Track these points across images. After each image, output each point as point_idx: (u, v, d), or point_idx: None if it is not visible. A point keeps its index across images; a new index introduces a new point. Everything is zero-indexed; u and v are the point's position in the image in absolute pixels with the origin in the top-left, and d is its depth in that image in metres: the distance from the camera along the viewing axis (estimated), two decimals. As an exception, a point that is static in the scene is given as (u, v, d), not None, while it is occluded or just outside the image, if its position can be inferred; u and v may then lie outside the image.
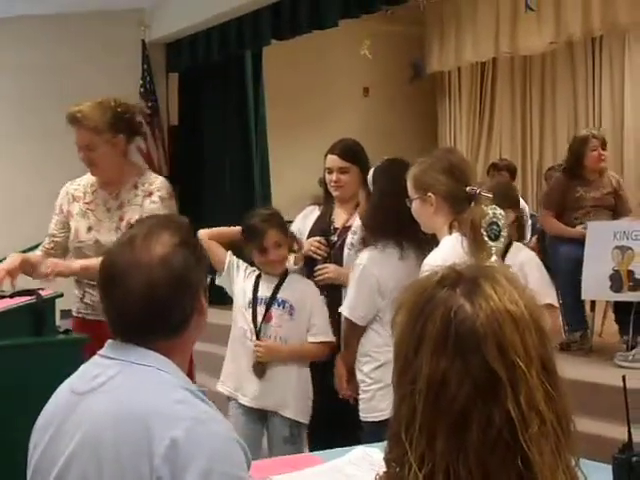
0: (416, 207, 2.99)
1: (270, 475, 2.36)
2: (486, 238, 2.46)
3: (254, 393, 3.53)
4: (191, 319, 1.81)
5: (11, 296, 3.32)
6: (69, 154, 6.33)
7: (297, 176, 8.07)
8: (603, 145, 5.51)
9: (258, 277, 3.65)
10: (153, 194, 3.62)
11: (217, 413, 1.74)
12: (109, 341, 1.84)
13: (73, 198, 3.70)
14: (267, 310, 3.56)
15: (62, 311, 3.92)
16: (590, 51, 8.98)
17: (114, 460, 1.63)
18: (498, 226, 2.47)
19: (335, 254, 3.72)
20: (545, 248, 5.57)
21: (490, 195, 2.73)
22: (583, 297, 5.18)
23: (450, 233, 2.86)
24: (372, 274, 3.30)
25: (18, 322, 3.26)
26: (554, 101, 9.23)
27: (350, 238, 3.67)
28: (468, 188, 2.79)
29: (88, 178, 3.73)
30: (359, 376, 3.41)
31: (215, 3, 7.21)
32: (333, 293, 3.63)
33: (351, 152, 3.77)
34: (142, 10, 8.02)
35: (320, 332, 3.55)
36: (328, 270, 3.66)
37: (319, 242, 3.75)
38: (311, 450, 3.45)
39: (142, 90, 7.92)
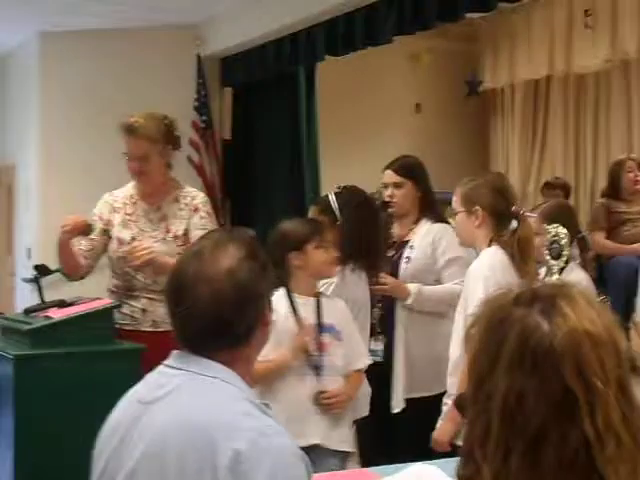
0: (460, 220, 3.22)
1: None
2: (548, 257, 2.45)
3: (318, 432, 3.18)
4: (255, 330, 1.83)
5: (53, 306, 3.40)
6: (121, 164, 6.43)
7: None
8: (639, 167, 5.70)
9: (290, 299, 3.23)
10: (199, 209, 3.75)
11: (280, 427, 1.75)
12: (174, 351, 1.87)
13: (113, 209, 3.75)
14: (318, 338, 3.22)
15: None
16: (645, 69, 8.87)
17: (178, 471, 1.65)
18: (559, 245, 2.46)
19: (392, 267, 3.74)
20: (601, 266, 5.53)
21: (534, 215, 3.01)
22: (638, 319, 5.11)
23: (489, 246, 3.09)
24: (342, 293, 3.41)
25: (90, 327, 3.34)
26: (608, 120, 9.11)
27: (407, 252, 3.68)
28: (513, 207, 3.06)
29: (126, 190, 3.79)
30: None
31: (270, 19, 7.26)
32: (387, 307, 3.64)
33: (406, 167, 3.84)
34: (197, 25, 8.10)
35: (364, 355, 3.37)
36: (387, 281, 3.68)
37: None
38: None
39: (196, 104, 7.98)
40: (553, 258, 2.44)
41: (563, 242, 2.45)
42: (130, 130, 3.65)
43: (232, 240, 1.88)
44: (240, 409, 1.71)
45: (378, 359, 3.61)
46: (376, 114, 9.09)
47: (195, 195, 3.83)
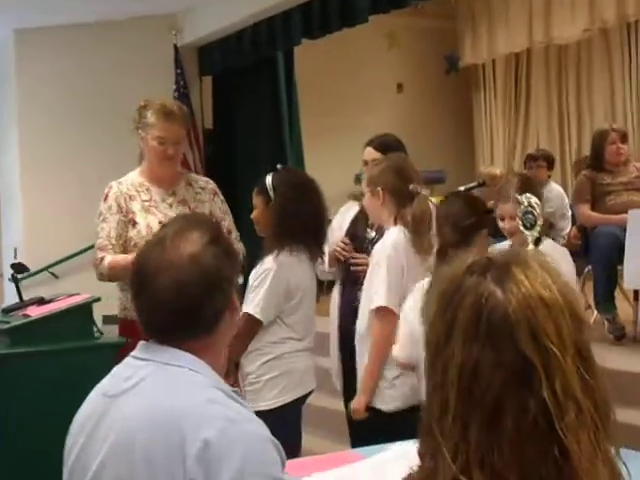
0: (367, 200, 3.50)
1: (310, 473, 2.34)
2: (522, 227, 2.43)
3: None
4: (223, 317, 1.79)
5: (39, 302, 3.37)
6: (103, 159, 6.41)
7: (333, 175, 8.03)
8: (622, 139, 5.60)
9: None
10: (218, 194, 3.86)
11: (250, 413, 1.73)
12: (141, 342, 1.84)
13: (129, 197, 3.69)
14: None
15: (104, 316, 3.95)
16: (626, 37, 8.85)
17: (147, 462, 1.62)
18: (533, 215, 2.43)
19: (372, 248, 3.70)
20: (587, 237, 5.51)
21: (428, 193, 3.36)
22: (626, 287, 5.13)
23: (395, 225, 3.37)
24: (284, 278, 3.37)
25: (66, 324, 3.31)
26: (590, 89, 9.11)
27: None
28: (411, 186, 3.34)
29: (132, 179, 3.73)
30: (248, 369, 3.43)
31: (245, 5, 7.20)
32: None
33: (385, 144, 3.81)
34: (173, 15, 8.04)
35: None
36: (365, 261, 3.65)
37: (344, 242, 3.76)
38: (353, 446, 3.43)
39: (176, 94, 7.92)
40: (527, 229, 2.41)
41: (537, 212, 2.41)
42: (171, 115, 3.62)
43: (194, 226, 1.84)
44: (208, 397, 1.68)
45: None
46: (358, 96, 9.06)
47: (206, 180, 3.93)
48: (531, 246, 2.42)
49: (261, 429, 1.69)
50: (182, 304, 1.73)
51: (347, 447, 3.52)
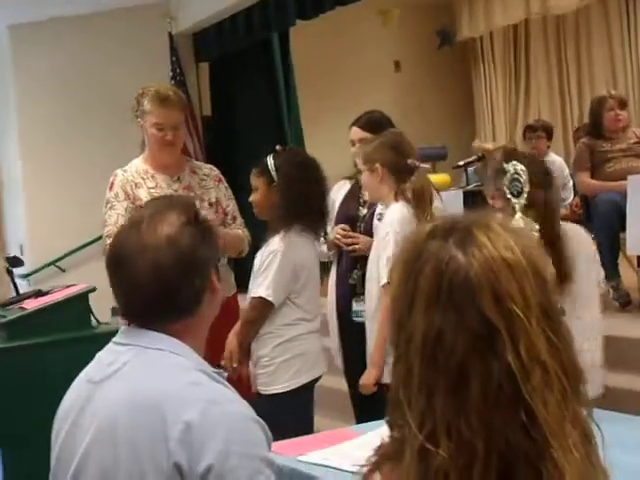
0: (365, 178, 3.48)
1: (307, 451, 2.34)
2: (509, 195, 2.40)
3: None
4: (202, 298, 1.78)
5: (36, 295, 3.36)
6: (103, 150, 6.40)
7: (333, 156, 7.98)
8: (621, 105, 5.52)
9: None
10: (222, 181, 3.83)
11: (234, 394, 1.71)
12: (122, 327, 1.83)
13: (135, 184, 3.67)
14: None
15: (113, 308, 3.94)
16: (624, 4, 8.78)
17: (130, 446, 1.61)
18: (520, 182, 2.40)
19: (365, 226, 3.70)
20: (589, 206, 5.48)
21: (428, 166, 3.41)
22: (629, 252, 5.08)
23: (397, 200, 3.36)
24: (291, 259, 3.36)
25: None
26: (590, 57, 9.03)
27: (379, 209, 3.64)
28: (409, 161, 3.35)
29: (136, 166, 3.71)
30: (261, 352, 3.41)
31: (238, -12, 7.17)
32: (365, 266, 3.59)
33: (371, 123, 3.78)
34: (167, 3, 8.01)
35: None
36: (359, 241, 3.64)
37: (344, 230, 3.74)
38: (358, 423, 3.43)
39: (172, 82, 7.88)
40: (514, 196, 2.38)
41: (523, 179, 2.38)
42: (166, 100, 3.60)
43: (170, 207, 1.82)
44: (189, 379, 1.67)
45: (361, 319, 3.58)
46: (356, 76, 9.01)
47: (210, 167, 3.91)
48: (519, 214, 2.39)
49: (244, 409, 1.67)
50: (160, 287, 1.72)
51: (353, 425, 3.51)
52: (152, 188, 3.66)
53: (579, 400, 1.11)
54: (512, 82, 9.49)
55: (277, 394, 3.34)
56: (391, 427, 1.17)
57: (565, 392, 1.09)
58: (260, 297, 3.35)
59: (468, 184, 6.85)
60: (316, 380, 3.49)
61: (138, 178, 3.67)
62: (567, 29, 9.21)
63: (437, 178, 8.30)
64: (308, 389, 3.43)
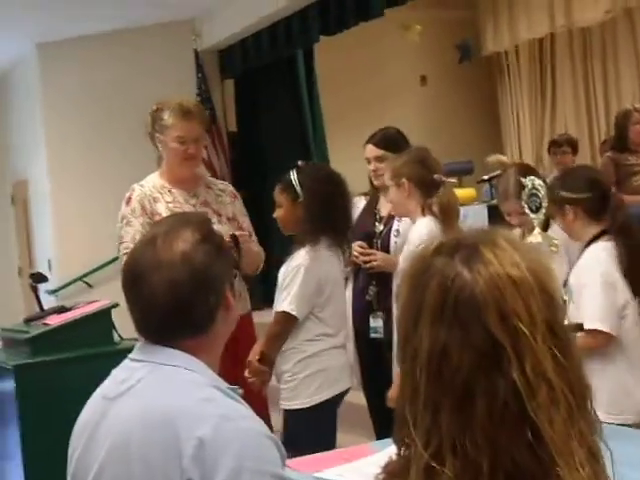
0: (392, 193, 3.49)
1: (324, 468, 2.33)
2: (527, 210, 2.39)
3: None
4: (217, 315, 1.78)
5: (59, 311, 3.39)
6: (131, 166, 6.45)
7: (357, 171, 8.00)
8: None
9: None
10: (237, 197, 3.81)
11: (248, 410, 1.71)
12: (137, 343, 1.84)
13: (153, 199, 3.63)
14: None
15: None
16: (650, 16, 8.71)
17: (144, 463, 1.61)
18: (538, 197, 2.39)
19: (382, 242, 3.69)
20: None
21: (454, 181, 3.44)
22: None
23: (424, 215, 3.38)
24: (315, 273, 3.36)
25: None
26: (617, 70, 8.97)
27: (396, 225, 3.64)
28: (435, 175, 3.38)
29: (153, 181, 3.68)
30: (283, 367, 3.41)
31: (262, 5, 7.20)
32: (382, 282, 3.59)
33: (386, 140, 3.79)
34: (192, 20, 8.08)
35: None
36: (376, 257, 3.63)
37: (361, 247, 3.74)
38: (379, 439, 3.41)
39: (198, 99, 7.94)
40: (532, 212, 2.37)
41: (541, 194, 2.37)
42: (189, 113, 3.59)
43: (185, 224, 1.83)
44: (203, 396, 1.67)
45: (379, 336, 3.56)
46: (381, 91, 9.02)
47: (224, 183, 3.93)
48: (538, 230, 2.38)
49: (257, 425, 1.67)
50: (174, 304, 1.72)
51: (374, 441, 3.49)
52: (170, 202, 3.63)
53: (586, 418, 1.10)
54: (538, 96, 9.44)
55: (299, 409, 3.34)
56: (398, 445, 1.17)
57: (571, 410, 1.08)
58: (284, 311, 3.35)
59: (492, 198, 6.81)
60: (341, 395, 3.48)
61: (156, 193, 3.64)
62: (593, 42, 9.15)
63: (463, 193, 8.30)
64: (332, 404, 3.42)
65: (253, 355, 3.43)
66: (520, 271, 1.11)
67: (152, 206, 3.61)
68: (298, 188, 3.43)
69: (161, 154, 3.74)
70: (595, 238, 2.87)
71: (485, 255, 1.12)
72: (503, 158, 7.19)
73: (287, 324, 3.37)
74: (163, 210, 3.60)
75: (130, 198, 3.64)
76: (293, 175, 3.47)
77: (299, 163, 3.58)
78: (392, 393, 3.33)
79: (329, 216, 3.38)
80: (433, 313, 1.11)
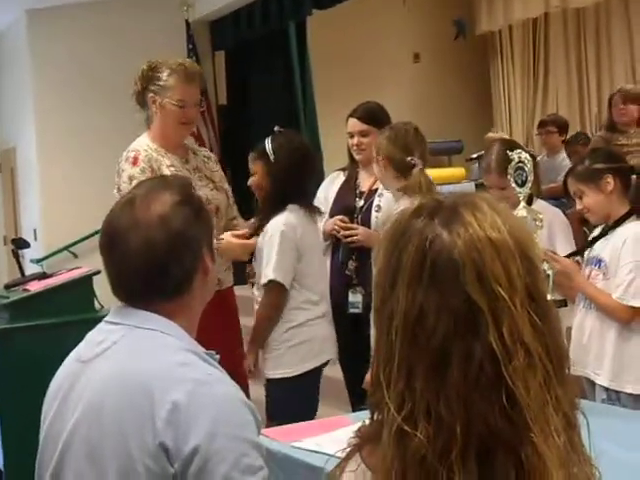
0: (375, 166, 3.49)
1: (301, 438, 2.32)
2: (513, 184, 2.36)
3: None
4: (194, 279, 1.75)
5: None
6: (118, 136, 6.37)
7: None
8: (626, 99, 5.56)
9: None
10: (217, 162, 3.75)
11: (224, 375, 1.69)
12: (113, 306, 1.81)
13: (155, 159, 3.45)
14: None
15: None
16: (645, -2, 8.68)
17: (117, 425, 1.60)
18: (524, 171, 2.36)
19: (363, 217, 3.68)
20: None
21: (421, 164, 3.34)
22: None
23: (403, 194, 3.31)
24: (292, 238, 3.36)
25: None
26: (610, 52, 8.94)
27: (377, 200, 3.63)
28: (408, 158, 3.33)
29: (147, 144, 3.47)
30: (270, 336, 3.41)
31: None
32: (362, 257, 3.57)
33: (371, 115, 3.77)
34: (184, -10, 8.00)
35: None
36: (357, 232, 3.61)
37: (342, 221, 3.72)
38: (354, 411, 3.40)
39: (188, 70, 7.88)
40: (519, 185, 2.34)
41: (527, 168, 2.34)
42: (192, 77, 3.46)
43: (165, 187, 1.80)
44: (178, 360, 1.65)
45: (357, 311, 3.56)
46: (374, 67, 8.96)
47: (205, 149, 3.90)
48: (523, 204, 2.36)
49: (233, 390, 1.65)
50: (151, 265, 1.70)
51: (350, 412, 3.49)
52: (170, 167, 3.45)
53: (563, 385, 1.09)
54: (530, 77, 9.40)
55: (282, 378, 3.34)
56: (371, 409, 1.14)
57: (548, 376, 1.06)
58: (269, 280, 3.34)
59: (481, 177, 6.79)
60: (324, 365, 3.49)
61: (157, 155, 3.48)
62: (587, 24, 9.12)
63: (452, 171, 8.29)
64: (314, 374, 3.44)
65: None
66: (500, 234, 1.09)
67: (159, 167, 3.44)
68: (271, 155, 3.41)
69: (151, 114, 3.52)
70: (625, 216, 2.84)
71: (465, 217, 1.10)
72: (505, 135, 7.17)
73: (278, 293, 3.36)
74: (167, 173, 3.41)
75: (137, 158, 3.43)
76: (267, 143, 3.46)
77: (275, 129, 3.56)
78: (369, 377, 3.34)
79: (299, 183, 3.40)
80: (411, 274, 1.08)
